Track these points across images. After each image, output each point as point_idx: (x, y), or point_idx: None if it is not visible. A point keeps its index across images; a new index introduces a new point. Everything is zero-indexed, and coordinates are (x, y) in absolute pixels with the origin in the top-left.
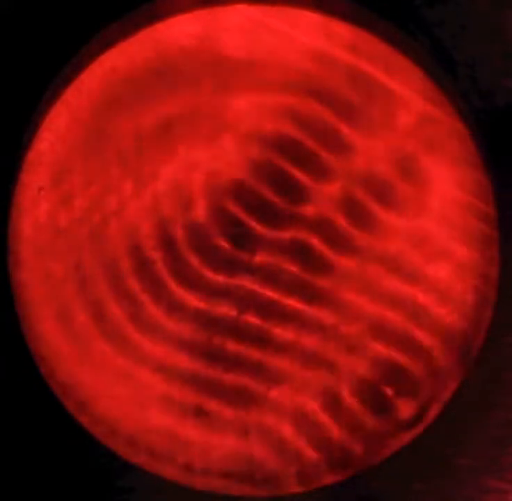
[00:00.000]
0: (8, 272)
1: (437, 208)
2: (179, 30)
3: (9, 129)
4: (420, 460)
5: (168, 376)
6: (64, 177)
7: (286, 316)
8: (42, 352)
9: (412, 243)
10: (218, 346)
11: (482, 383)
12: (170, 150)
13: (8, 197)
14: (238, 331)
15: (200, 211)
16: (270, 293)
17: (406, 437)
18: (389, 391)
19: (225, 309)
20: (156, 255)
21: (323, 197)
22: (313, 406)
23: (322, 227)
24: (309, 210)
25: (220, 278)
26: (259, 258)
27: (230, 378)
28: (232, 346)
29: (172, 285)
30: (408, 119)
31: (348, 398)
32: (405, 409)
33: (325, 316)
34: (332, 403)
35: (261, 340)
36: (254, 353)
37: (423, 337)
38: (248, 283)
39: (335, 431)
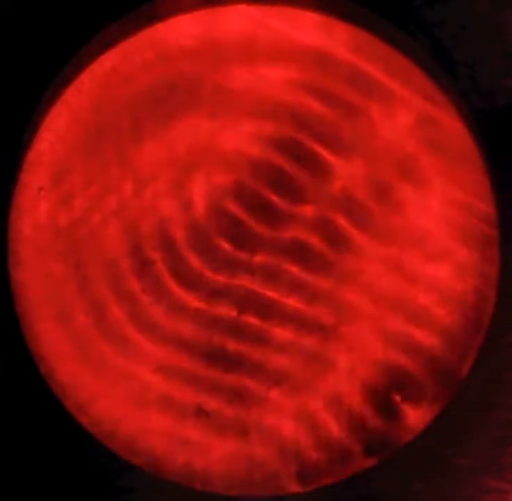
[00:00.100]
0: (8, 272)
1: (437, 208)
2: (179, 30)
3: (9, 129)
4: (420, 460)
5: (167, 376)
6: (64, 177)
7: (286, 316)
8: (42, 352)
9: (412, 243)
10: (218, 346)
11: (482, 383)
12: (170, 150)
13: (8, 197)
14: (238, 331)
15: (200, 211)
16: (270, 293)
17: (406, 437)
18: (389, 391)
19: (225, 310)
20: (156, 255)
21: (323, 197)
22: (313, 406)
23: (322, 227)
24: (309, 210)
25: (220, 278)
26: (259, 258)
27: (230, 378)
28: (232, 346)
29: (172, 285)
30: (407, 119)
31: (348, 398)
32: (405, 409)
33: (325, 316)
34: (332, 403)
35: (261, 340)
36: (254, 353)
37: (423, 337)
38: (247, 283)
39: (335, 431)
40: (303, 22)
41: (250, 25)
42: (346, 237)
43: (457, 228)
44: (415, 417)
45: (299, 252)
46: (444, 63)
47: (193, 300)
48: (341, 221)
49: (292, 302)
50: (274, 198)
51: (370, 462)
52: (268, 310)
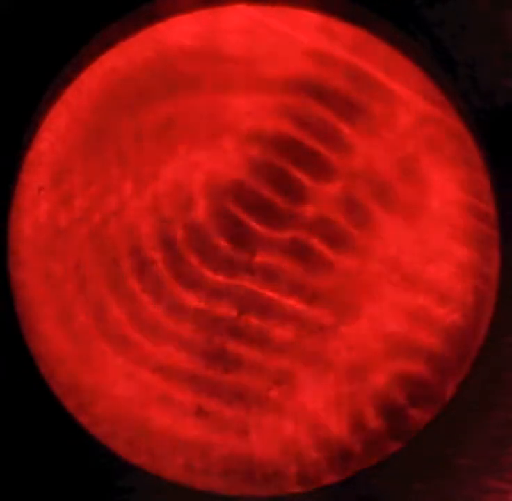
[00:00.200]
0: (7, 272)
1: (437, 208)
2: (179, 30)
3: (9, 129)
4: (420, 460)
5: (168, 376)
6: (64, 177)
7: (286, 316)
8: (42, 352)
9: (412, 243)
10: (218, 346)
11: (482, 383)
12: (170, 150)
13: (8, 197)
14: (238, 331)
15: (200, 211)
16: (270, 294)
17: (406, 437)
18: (389, 391)
19: (225, 310)
20: (156, 255)
21: (323, 197)
22: (313, 406)
23: (322, 227)
24: (309, 210)
25: (220, 278)
26: (259, 258)
27: (230, 378)
28: (231, 346)
29: (172, 285)
30: (407, 119)
31: (348, 398)
32: (405, 408)
33: (325, 316)
34: (332, 403)
35: (261, 340)
36: (254, 353)
37: (423, 337)
38: (247, 283)
39: (335, 431)
40: (303, 22)
41: (249, 25)
42: (346, 237)
43: (457, 228)
44: (415, 416)
45: (299, 252)
46: (444, 63)
47: (193, 300)
48: (341, 221)
49: (292, 302)
50: (274, 198)
51: (370, 462)
52: (268, 310)
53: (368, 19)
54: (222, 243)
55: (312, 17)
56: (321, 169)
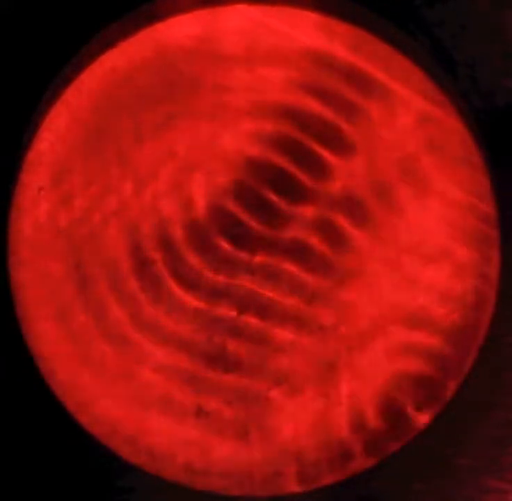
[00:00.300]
0: (7, 272)
1: (437, 208)
2: (179, 30)
3: (9, 129)
4: (420, 460)
5: (167, 376)
6: (64, 177)
7: (286, 316)
8: (42, 352)
9: (412, 242)
10: (218, 346)
11: (482, 383)
12: (170, 150)
13: (8, 197)
14: (238, 331)
15: (200, 211)
16: (270, 294)
17: (406, 437)
18: (388, 390)
19: (225, 310)
20: (156, 255)
21: (323, 197)
22: (313, 406)
23: (322, 227)
24: (309, 210)
25: (220, 278)
26: (259, 258)
27: (230, 378)
28: (232, 346)
29: (172, 285)
30: (407, 119)
31: (348, 398)
32: (404, 408)
33: (325, 316)
34: (332, 403)
35: (261, 340)
36: (254, 353)
37: (423, 337)
38: (247, 283)
39: (335, 431)
40: (303, 22)
41: (249, 25)
42: (346, 237)
43: (457, 228)
44: (415, 416)
45: (299, 252)
46: (444, 63)
47: (193, 300)
48: (341, 221)
49: (292, 302)
50: (274, 198)
51: (370, 462)
52: (268, 310)
53: (368, 19)
54: (222, 243)
55: (311, 17)
56: (321, 169)
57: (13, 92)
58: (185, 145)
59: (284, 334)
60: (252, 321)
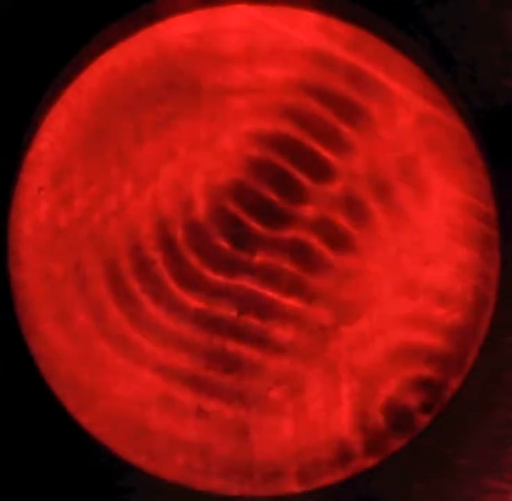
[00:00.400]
0: (7, 272)
1: (437, 208)
2: (179, 30)
3: (9, 129)
4: (420, 460)
5: (168, 376)
6: (64, 177)
7: (286, 316)
8: (42, 352)
9: (412, 243)
10: (218, 346)
11: (482, 383)
12: (170, 150)
13: (8, 197)
14: (238, 331)
15: (200, 211)
16: (270, 294)
17: (406, 437)
18: (388, 390)
19: (225, 310)
20: (156, 255)
21: (323, 197)
22: (313, 405)
23: (322, 227)
24: (309, 210)
25: (220, 278)
26: (259, 258)
27: (230, 378)
28: (231, 346)
29: (172, 285)
30: (407, 119)
31: (348, 398)
32: (404, 408)
33: (325, 316)
34: (332, 403)
35: (261, 340)
36: (254, 353)
37: (423, 336)
38: (247, 283)
39: (335, 431)
40: (303, 22)
41: (249, 25)
42: (346, 237)
43: (457, 228)
44: (415, 416)
45: (299, 252)
46: (444, 63)
47: (193, 300)
48: (341, 221)
49: (292, 302)
50: (274, 198)
51: (370, 462)
52: (268, 310)
53: (368, 19)
54: (222, 243)
55: (311, 17)
56: (321, 169)
57: (13, 92)
58: (185, 145)
59: (284, 334)
60: (252, 321)
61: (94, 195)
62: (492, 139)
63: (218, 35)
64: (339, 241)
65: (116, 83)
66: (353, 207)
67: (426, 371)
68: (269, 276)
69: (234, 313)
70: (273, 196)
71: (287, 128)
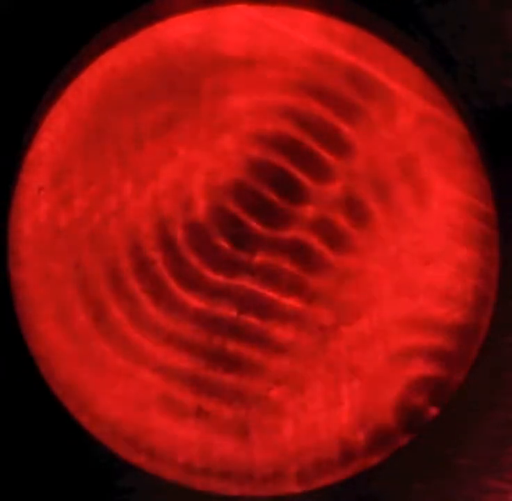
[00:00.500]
0: (7, 272)
1: (437, 208)
2: (179, 30)
3: (9, 129)
4: (420, 460)
5: (168, 376)
6: (64, 177)
7: (286, 316)
8: (42, 352)
9: (412, 243)
10: (218, 346)
11: (482, 383)
12: (170, 150)
13: (7, 197)
14: (238, 331)
15: (200, 211)
16: (270, 294)
17: (405, 437)
18: (388, 390)
19: (225, 310)
20: (156, 255)
21: (323, 197)
22: (313, 406)
23: (322, 227)
24: (309, 210)
25: (220, 278)
26: (259, 258)
27: (230, 378)
28: (231, 346)
29: (172, 285)
30: (407, 119)
31: (348, 398)
32: (404, 408)
33: (325, 316)
34: (332, 403)
35: (261, 340)
36: (254, 353)
37: (422, 336)
38: (247, 283)
39: (335, 431)
40: (303, 22)
41: (249, 25)
42: (346, 237)
43: (457, 228)
44: (415, 416)
45: (299, 252)
46: (444, 63)
47: (193, 300)
48: (341, 221)
49: (292, 302)
50: (274, 198)
51: (370, 462)
52: (268, 310)
53: (368, 19)
54: (222, 243)
55: (311, 17)
56: (321, 169)
57: (13, 92)
58: (185, 145)
59: (284, 334)
60: (252, 321)
61: (94, 195)
62: (492, 139)
63: (218, 35)
64: (339, 241)
65: (116, 83)
66: (353, 207)
67: (426, 371)
68: (269, 276)
69: (234, 313)
70: (273, 196)
71: (287, 128)
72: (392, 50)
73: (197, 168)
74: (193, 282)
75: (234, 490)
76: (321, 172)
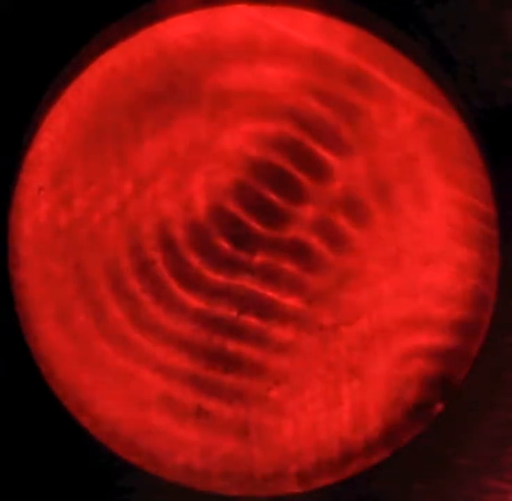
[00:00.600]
0: (8, 272)
1: (437, 208)
2: (179, 30)
3: (9, 129)
4: (420, 460)
5: (167, 376)
6: (64, 177)
7: (286, 316)
8: (42, 352)
9: (412, 243)
10: (218, 346)
11: (482, 383)
12: (170, 150)
13: (7, 197)
14: (238, 331)
15: (200, 211)
16: (270, 294)
17: (405, 437)
18: (388, 390)
19: (225, 310)
20: (156, 255)
21: (323, 197)
22: (313, 405)
23: (322, 227)
24: (309, 210)
25: (220, 278)
26: (259, 258)
27: (230, 378)
28: (231, 346)
29: (173, 285)
30: (407, 119)
31: (348, 398)
32: (404, 408)
33: (325, 316)
34: (332, 403)
35: (261, 340)
36: (254, 353)
37: (422, 336)
38: (247, 283)
39: (335, 431)
40: (303, 22)
41: (249, 25)
42: (346, 237)
43: (457, 228)
44: (414, 416)
45: (299, 252)
46: (444, 63)
47: (193, 300)
48: (341, 221)
49: (292, 302)
50: (274, 198)
51: (370, 462)
52: (268, 310)
53: (368, 19)
54: (223, 243)
55: (311, 17)
56: (321, 169)
57: (13, 92)
58: (185, 145)
59: (284, 334)
60: (252, 321)
61: (94, 195)
62: (492, 139)
63: (218, 35)
64: (339, 241)
65: (116, 83)
66: (353, 207)
67: (426, 371)
68: (269, 276)
69: (234, 313)
70: (273, 196)
71: (287, 128)
72: (392, 50)
73: (197, 168)
74: (193, 282)
75: (234, 490)
76: (321, 172)
